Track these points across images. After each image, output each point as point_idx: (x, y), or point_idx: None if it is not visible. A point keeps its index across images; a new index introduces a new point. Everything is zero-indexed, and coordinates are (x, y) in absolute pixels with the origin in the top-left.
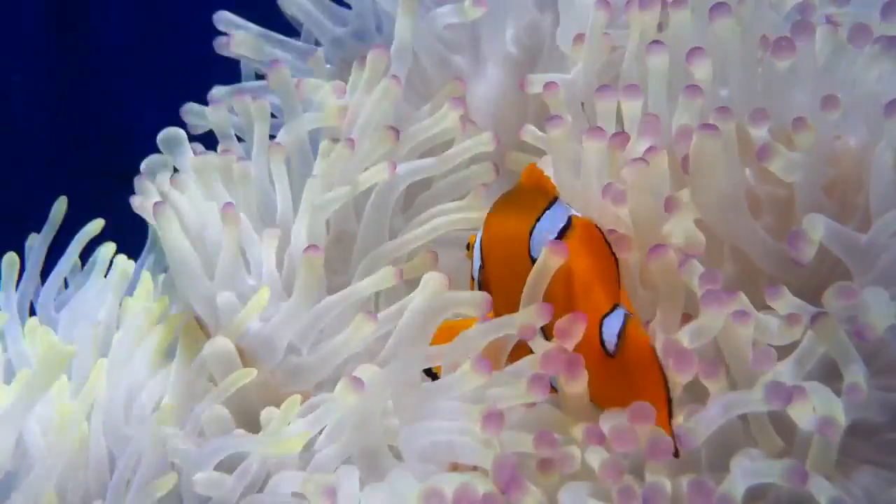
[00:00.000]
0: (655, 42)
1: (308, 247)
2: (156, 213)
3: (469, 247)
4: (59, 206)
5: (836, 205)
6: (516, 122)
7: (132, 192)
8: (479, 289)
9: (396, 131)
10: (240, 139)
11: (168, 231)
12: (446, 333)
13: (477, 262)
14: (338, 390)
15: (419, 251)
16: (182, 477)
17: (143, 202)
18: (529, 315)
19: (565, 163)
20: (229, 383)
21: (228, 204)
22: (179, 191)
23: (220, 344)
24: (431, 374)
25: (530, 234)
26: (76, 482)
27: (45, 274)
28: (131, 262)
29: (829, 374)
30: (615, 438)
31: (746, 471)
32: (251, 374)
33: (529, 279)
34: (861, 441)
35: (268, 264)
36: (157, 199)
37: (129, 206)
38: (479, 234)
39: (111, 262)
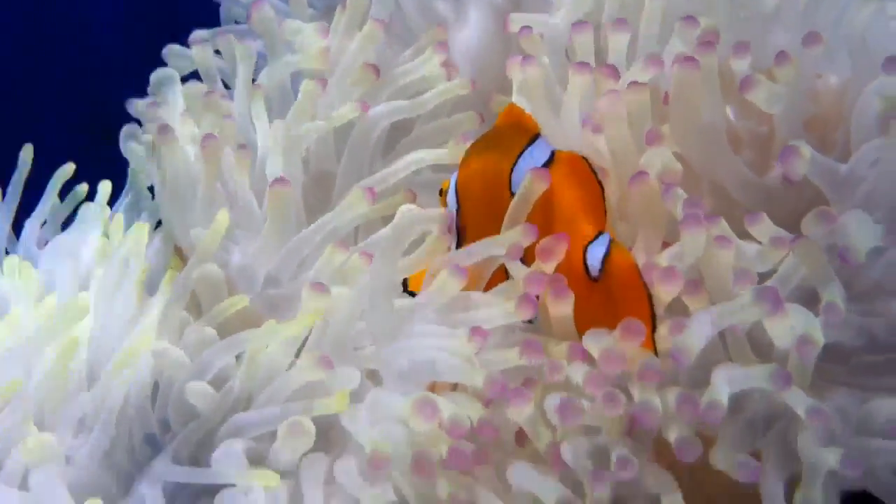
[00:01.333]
0: None
1: (275, 180)
2: (160, 139)
3: (442, 192)
4: (26, 153)
5: (816, 140)
6: (499, 68)
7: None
8: (456, 233)
9: (377, 69)
10: (225, 86)
11: (166, 158)
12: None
13: (452, 206)
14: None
15: (398, 189)
16: (171, 393)
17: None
18: (516, 234)
19: (542, 102)
20: (222, 309)
21: (209, 136)
22: (175, 123)
23: (209, 269)
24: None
25: (511, 171)
26: (58, 413)
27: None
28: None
29: (807, 303)
30: (604, 359)
31: (730, 378)
32: (243, 301)
33: (510, 208)
34: (836, 365)
35: (243, 193)
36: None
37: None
38: (454, 178)
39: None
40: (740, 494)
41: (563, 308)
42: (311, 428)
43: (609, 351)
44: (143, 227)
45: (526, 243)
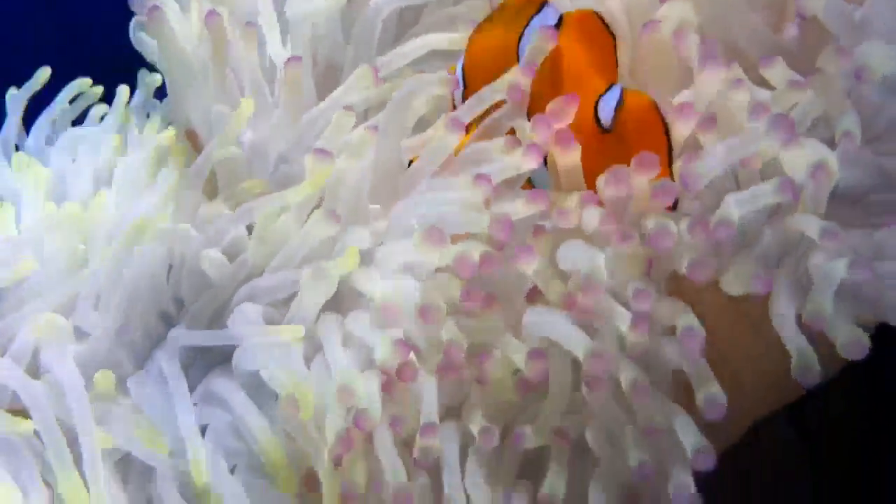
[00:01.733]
0: None
1: (289, 59)
2: (156, 21)
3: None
4: (44, 73)
5: None
6: None
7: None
8: None
9: None
10: None
11: (169, 39)
12: None
13: (460, 86)
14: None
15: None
16: (183, 267)
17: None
18: (515, 75)
19: None
20: (240, 191)
21: (211, 12)
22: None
23: (230, 150)
24: None
25: (519, 41)
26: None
27: None
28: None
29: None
30: (609, 182)
31: (738, 199)
32: (261, 185)
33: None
34: (850, 207)
35: (251, 72)
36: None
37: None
38: (461, 60)
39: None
40: (747, 340)
41: (570, 158)
42: (334, 271)
43: (613, 173)
44: (172, 131)
45: (524, 83)
